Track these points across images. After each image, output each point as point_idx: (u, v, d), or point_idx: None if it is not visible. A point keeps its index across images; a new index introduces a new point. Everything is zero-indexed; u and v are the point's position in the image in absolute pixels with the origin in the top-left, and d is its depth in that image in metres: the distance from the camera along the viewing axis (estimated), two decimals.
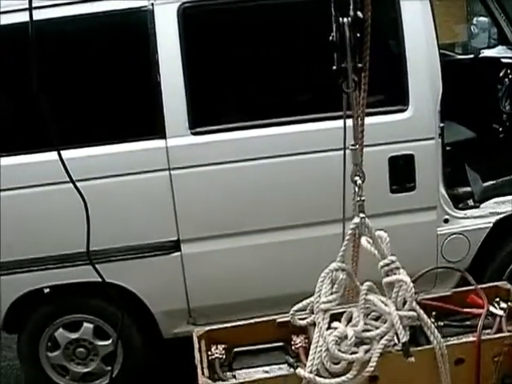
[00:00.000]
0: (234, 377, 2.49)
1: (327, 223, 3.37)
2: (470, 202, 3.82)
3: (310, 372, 2.24)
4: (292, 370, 2.40)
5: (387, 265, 2.30)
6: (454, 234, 3.66)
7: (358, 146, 2.38)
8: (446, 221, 3.67)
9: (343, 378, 2.23)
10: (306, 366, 2.28)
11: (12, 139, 3.43)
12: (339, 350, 2.22)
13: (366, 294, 2.36)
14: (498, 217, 3.70)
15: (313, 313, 2.33)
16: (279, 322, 2.62)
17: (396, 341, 2.30)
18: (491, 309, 2.55)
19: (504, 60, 4.63)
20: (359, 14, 2.18)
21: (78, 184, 2.80)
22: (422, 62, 3.45)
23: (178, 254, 3.53)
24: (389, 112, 3.49)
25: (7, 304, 3.55)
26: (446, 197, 3.67)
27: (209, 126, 3.44)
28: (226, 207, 3.50)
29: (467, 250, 3.68)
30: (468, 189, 3.89)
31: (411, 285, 2.27)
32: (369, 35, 2.25)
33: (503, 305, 2.57)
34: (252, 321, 2.67)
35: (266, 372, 2.49)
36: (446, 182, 3.66)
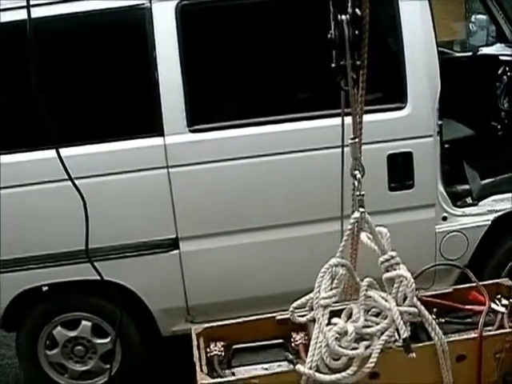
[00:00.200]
0: (233, 374, 2.47)
1: (325, 221, 3.37)
2: (469, 200, 3.83)
3: (310, 368, 2.22)
4: (292, 366, 2.39)
5: (387, 260, 2.30)
6: (453, 231, 3.66)
7: (356, 140, 2.37)
8: (445, 218, 3.67)
9: (343, 373, 2.22)
10: (305, 362, 2.26)
11: (10, 137, 3.43)
12: (339, 346, 2.20)
13: (367, 290, 2.34)
14: (496, 214, 3.70)
15: (312, 309, 2.32)
16: (279, 319, 2.60)
17: (397, 337, 2.28)
18: (493, 306, 2.54)
19: (502, 58, 4.63)
20: (358, 11, 2.18)
21: (76, 182, 2.80)
22: (420, 59, 3.45)
23: (177, 251, 3.53)
24: (387, 110, 3.48)
25: (6, 302, 3.55)
26: (445, 194, 3.67)
27: (207, 123, 3.44)
28: (224, 205, 3.49)
29: (466, 247, 3.68)
30: (466, 186, 3.89)
31: (412, 280, 2.25)
32: (367, 33, 2.24)
33: (505, 302, 2.55)
34: (251, 318, 2.65)
35: (266, 369, 2.47)
36: (445, 180, 3.66)
